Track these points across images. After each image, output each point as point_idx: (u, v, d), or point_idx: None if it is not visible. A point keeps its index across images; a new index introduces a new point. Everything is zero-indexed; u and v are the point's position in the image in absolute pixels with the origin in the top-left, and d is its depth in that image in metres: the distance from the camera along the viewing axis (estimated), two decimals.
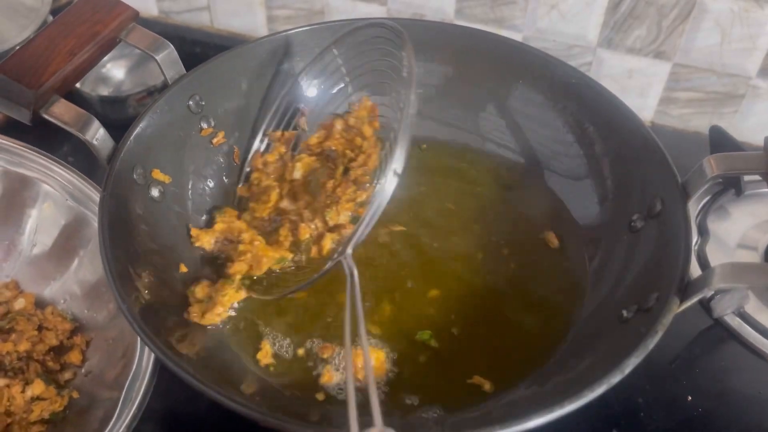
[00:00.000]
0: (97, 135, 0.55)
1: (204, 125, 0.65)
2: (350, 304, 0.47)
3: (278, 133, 0.67)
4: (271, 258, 0.60)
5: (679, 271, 0.50)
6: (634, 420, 0.60)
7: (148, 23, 1.00)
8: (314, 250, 0.61)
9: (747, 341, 0.64)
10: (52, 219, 0.66)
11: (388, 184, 0.49)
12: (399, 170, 0.49)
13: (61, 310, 0.64)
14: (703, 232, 0.72)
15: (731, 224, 0.74)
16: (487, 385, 0.55)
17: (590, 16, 0.81)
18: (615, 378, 0.45)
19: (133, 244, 0.55)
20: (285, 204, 0.63)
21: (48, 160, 0.65)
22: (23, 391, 0.57)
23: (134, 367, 0.55)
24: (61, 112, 0.54)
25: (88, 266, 0.64)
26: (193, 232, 0.62)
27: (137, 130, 0.58)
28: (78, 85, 0.82)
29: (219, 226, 0.62)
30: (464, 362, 0.57)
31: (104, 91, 0.83)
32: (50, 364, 0.60)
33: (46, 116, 0.54)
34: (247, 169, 0.67)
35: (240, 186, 0.66)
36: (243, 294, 0.59)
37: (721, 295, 0.63)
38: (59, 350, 0.62)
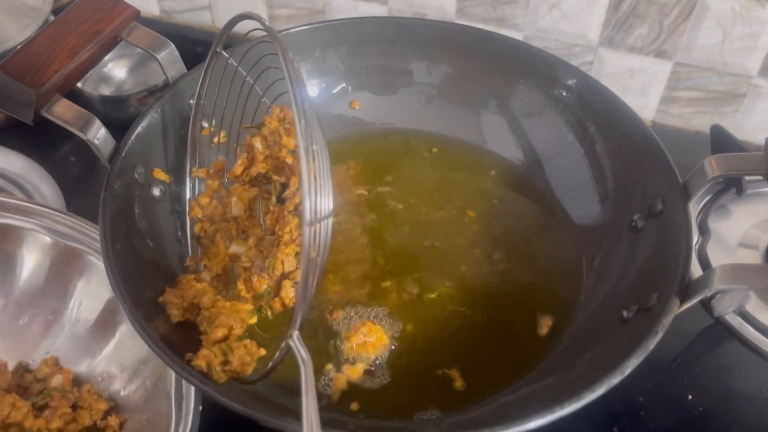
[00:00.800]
0: (99, 134, 0.55)
1: (205, 124, 0.65)
2: (305, 392, 0.42)
3: (203, 170, 0.61)
4: (245, 311, 0.54)
5: (680, 271, 0.50)
6: (635, 418, 0.60)
7: (150, 22, 1.00)
8: (277, 304, 0.55)
9: (748, 340, 0.64)
10: (96, 293, 0.63)
11: (307, 236, 0.41)
12: (326, 211, 0.42)
13: (97, 389, 0.60)
14: (704, 231, 0.72)
15: (732, 223, 0.74)
16: (484, 385, 0.55)
17: (591, 15, 0.81)
18: (615, 379, 0.45)
19: (134, 244, 0.55)
20: (234, 248, 0.58)
21: (93, 230, 0.62)
22: None
23: None
24: (62, 111, 0.54)
25: (128, 342, 0.60)
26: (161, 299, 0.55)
27: (138, 129, 0.58)
28: (79, 84, 0.82)
29: (171, 297, 0.54)
30: (462, 362, 0.57)
31: (106, 91, 0.83)
32: None
33: (47, 116, 0.54)
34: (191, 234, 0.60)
35: (189, 257, 0.60)
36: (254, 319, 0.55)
37: (722, 294, 0.63)
38: (92, 431, 0.58)
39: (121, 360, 0.61)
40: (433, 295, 0.61)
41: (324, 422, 0.40)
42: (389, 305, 0.60)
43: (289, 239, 0.54)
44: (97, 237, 0.61)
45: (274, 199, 0.58)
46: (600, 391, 0.44)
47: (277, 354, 0.47)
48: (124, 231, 0.54)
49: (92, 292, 0.63)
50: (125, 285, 0.49)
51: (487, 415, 0.51)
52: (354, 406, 0.54)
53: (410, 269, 0.63)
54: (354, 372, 0.56)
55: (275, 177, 0.57)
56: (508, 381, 0.55)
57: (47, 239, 0.63)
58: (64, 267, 0.63)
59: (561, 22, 0.82)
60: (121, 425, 0.59)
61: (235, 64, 0.59)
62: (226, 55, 0.59)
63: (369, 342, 0.57)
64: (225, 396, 0.44)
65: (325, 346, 0.58)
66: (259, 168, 0.57)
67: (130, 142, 0.57)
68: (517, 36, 0.85)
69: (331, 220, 0.44)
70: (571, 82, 0.66)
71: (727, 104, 0.84)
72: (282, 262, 0.53)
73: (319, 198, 0.42)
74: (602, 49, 0.84)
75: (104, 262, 0.50)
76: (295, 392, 0.43)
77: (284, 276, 0.54)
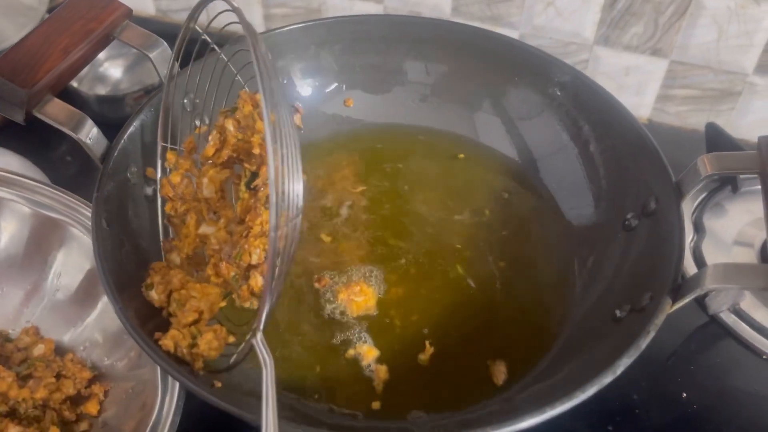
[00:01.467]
0: (91, 134, 0.55)
1: (198, 123, 0.65)
2: (266, 396, 0.41)
3: (172, 153, 0.58)
4: (216, 295, 0.54)
5: (673, 270, 0.50)
6: (629, 417, 0.60)
7: (145, 22, 0.99)
8: (245, 292, 0.53)
9: (742, 338, 0.64)
10: (76, 263, 0.62)
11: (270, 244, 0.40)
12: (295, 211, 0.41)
13: (80, 358, 0.60)
14: (700, 229, 0.72)
15: (727, 221, 0.73)
16: (475, 384, 0.55)
17: (587, 14, 0.80)
18: (607, 378, 0.45)
19: (126, 244, 0.55)
20: (204, 229, 0.56)
21: (76, 202, 0.63)
22: None
23: (152, 420, 0.52)
24: (54, 111, 0.54)
25: (110, 312, 0.58)
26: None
27: (131, 129, 0.58)
28: (75, 84, 0.82)
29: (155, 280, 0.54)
30: (453, 364, 0.57)
31: (102, 90, 0.83)
32: (66, 413, 0.57)
33: (39, 115, 0.54)
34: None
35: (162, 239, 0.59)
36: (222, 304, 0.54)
37: (716, 292, 0.63)
38: (76, 399, 0.58)
39: (103, 329, 0.61)
40: (422, 294, 0.61)
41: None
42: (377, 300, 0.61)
43: (259, 231, 0.52)
44: (78, 208, 0.62)
45: (243, 186, 0.57)
46: (591, 391, 0.44)
47: (240, 349, 0.47)
48: (116, 231, 0.54)
49: (72, 262, 0.63)
50: (117, 285, 0.49)
51: (478, 415, 0.51)
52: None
53: (401, 268, 0.63)
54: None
55: (246, 165, 0.56)
56: (500, 384, 0.55)
57: (26, 209, 0.63)
58: (43, 238, 0.63)
59: (556, 20, 0.82)
60: (106, 393, 0.59)
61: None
62: (200, 30, 0.59)
63: (356, 301, 0.58)
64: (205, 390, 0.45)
65: None
66: (230, 151, 0.56)
67: (122, 142, 0.57)
68: (513, 34, 0.85)
69: (299, 219, 0.43)
70: (565, 80, 0.66)
71: (722, 102, 0.83)
72: (249, 254, 0.52)
73: (288, 198, 0.42)
74: (598, 47, 0.83)
75: (96, 261, 0.50)
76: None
77: (252, 267, 0.53)
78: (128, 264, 0.53)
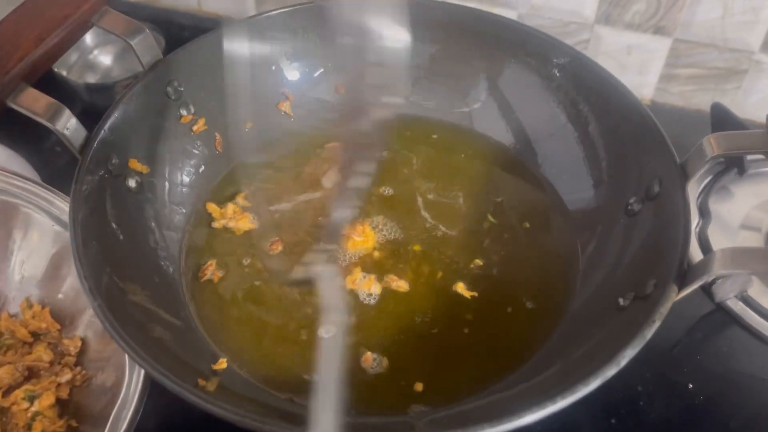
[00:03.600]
0: (68, 124, 0.52)
1: (183, 112, 0.63)
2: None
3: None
4: None
5: (678, 256, 0.48)
6: (633, 408, 0.58)
7: (135, 7, 0.98)
8: None
9: (750, 326, 0.62)
10: (40, 248, 0.61)
11: None
12: None
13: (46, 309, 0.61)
14: (705, 213, 0.70)
15: (734, 204, 0.71)
16: (473, 377, 0.53)
17: None
18: (610, 371, 0.43)
19: (107, 240, 0.53)
20: None
21: (34, 186, 0.61)
22: (30, 405, 0.54)
23: (119, 400, 0.51)
24: (29, 101, 0.52)
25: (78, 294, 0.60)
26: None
27: (111, 119, 0.56)
28: (64, 72, 0.80)
29: None
30: (449, 352, 0.55)
31: (91, 79, 0.82)
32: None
33: (13, 105, 0.52)
34: None
35: None
36: None
37: (723, 279, 0.61)
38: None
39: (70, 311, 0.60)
40: (420, 281, 0.59)
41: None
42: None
43: None
44: (36, 191, 0.61)
45: None
46: (594, 384, 0.42)
47: None
48: (96, 224, 0.52)
49: (34, 247, 0.62)
50: (95, 280, 0.47)
51: (475, 411, 0.49)
52: None
53: (400, 252, 0.61)
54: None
55: None
56: (497, 373, 0.53)
57: None
58: (2, 225, 0.62)
59: None
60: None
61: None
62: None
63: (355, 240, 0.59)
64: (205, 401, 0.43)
65: None
66: None
67: (102, 132, 0.55)
68: (511, 14, 0.82)
69: None
70: (563, 60, 0.64)
71: (728, 81, 0.81)
72: None
73: None
74: (599, 26, 0.81)
75: (74, 257, 0.48)
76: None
77: None
78: (109, 260, 0.51)
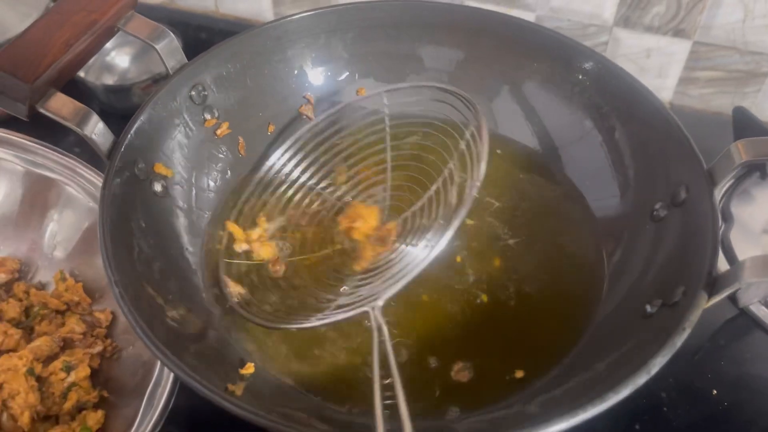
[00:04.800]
0: (96, 129, 0.53)
1: (207, 116, 0.63)
2: (377, 364, 0.44)
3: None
4: None
5: (707, 263, 0.48)
6: (657, 415, 0.58)
7: (153, 9, 0.98)
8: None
9: None
10: (73, 222, 0.64)
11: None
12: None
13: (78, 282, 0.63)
14: (727, 217, 0.69)
15: (756, 209, 0.71)
16: (500, 384, 0.53)
17: None
18: (641, 379, 0.42)
19: (135, 242, 0.53)
20: None
21: (70, 161, 0.63)
22: (67, 375, 0.56)
23: (155, 374, 0.53)
24: (58, 106, 0.52)
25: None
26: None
27: (137, 123, 0.56)
28: (82, 74, 0.80)
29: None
30: (477, 360, 0.54)
31: (109, 80, 0.82)
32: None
33: (42, 111, 0.52)
34: None
35: None
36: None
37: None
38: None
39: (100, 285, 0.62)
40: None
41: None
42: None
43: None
44: (73, 167, 0.63)
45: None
46: (625, 392, 0.42)
47: (349, 312, 0.49)
48: (124, 228, 0.52)
49: (69, 222, 0.64)
50: (124, 283, 0.48)
51: (508, 419, 0.49)
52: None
53: None
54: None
55: None
56: (525, 381, 0.53)
57: (19, 168, 0.64)
58: (38, 196, 0.64)
59: (574, 1, 0.80)
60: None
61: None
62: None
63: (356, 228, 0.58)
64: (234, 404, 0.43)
65: None
66: None
67: (129, 136, 0.55)
68: (529, 16, 0.82)
69: None
70: (587, 65, 0.64)
71: (748, 84, 0.81)
72: None
73: None
74: (618, 28, 0.81)
75: (104, 261, 0.49)
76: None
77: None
78: (138, 264, 0.52)
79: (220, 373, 0.49)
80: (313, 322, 0.52)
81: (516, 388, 0.52)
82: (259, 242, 0.61)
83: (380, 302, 0.47)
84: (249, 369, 0.52)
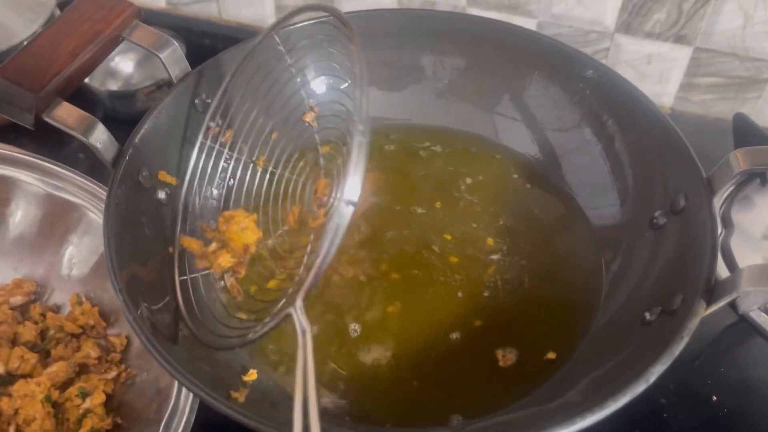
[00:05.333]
0: (101, 138, 0.53)
1: (211, 124, 0.63)
2: (301, 368, 0.41)
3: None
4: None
5: (705, 271, 0.48)
6: (657, 421, 0.58)
7: (156, 15, 0.99)
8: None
9: None
10: (90, 245, 0.64)
11: (342, 217, 0.41)
12: (354, 199, 0.41)
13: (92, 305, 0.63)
14: (727, 223, 0.69)
15: (757, 215, 0.71)
16: (498, 393, 0.53)
17: (607, 0, 0.78)
18: (639, 387, 0.43)
19: (140, 249, 0.53)
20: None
21: (89, 184, 0.64)
22: (83, 402, 0.56)
23: (171, 402, 0.53)
24: (63, 115, 0.53)
25: None
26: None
27: (142, 131, 0.57)
28: (87, 80, 0.81)
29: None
30: (473, 366, 0.55)
31: (113, 86, 0.82)
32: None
33: (48, 120, 0.53)
34: None
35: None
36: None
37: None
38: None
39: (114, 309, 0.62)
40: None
41: None
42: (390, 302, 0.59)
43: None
44: (92, 190, 0.64)
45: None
46: (624, 400, 0.43)
47: (271, 321, 0.47)
48: (129, 236, 0.53)
49: (86, 245, 0.64)
50: (129, 292, 0.48)
51: (506, 427, 0.49)
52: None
53: (417, 268, 0.62)
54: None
55: None
56: (522, 389, 0.53)
57: (40, 191, 0.65)
58: (57, 219, 0.64)
59: (576, 8, 0.80)
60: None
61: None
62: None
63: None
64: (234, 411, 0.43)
65: None
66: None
67: (133, 145, 0.56)
68: (531, 23, 0.82)
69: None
70: (587, 73, 0.64)
71: (749, 90, 0.81)
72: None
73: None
74: (619, 35, 0.81)
75: (108, 268, 0.49)
76: None
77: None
78: (142, 272, 0.52)
79: (224, 380, 0.50)
80: (249, 337, 0.50)
81: (513, 396, 0.53)
82: (215, 254, 0.59)
83: (299, 302, 0.44)
84: (251, 376, 0.52)
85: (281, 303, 0.53)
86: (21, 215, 0.66)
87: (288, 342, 0.57)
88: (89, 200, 0.64)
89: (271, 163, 0.64)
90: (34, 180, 0.65)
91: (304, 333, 0.42)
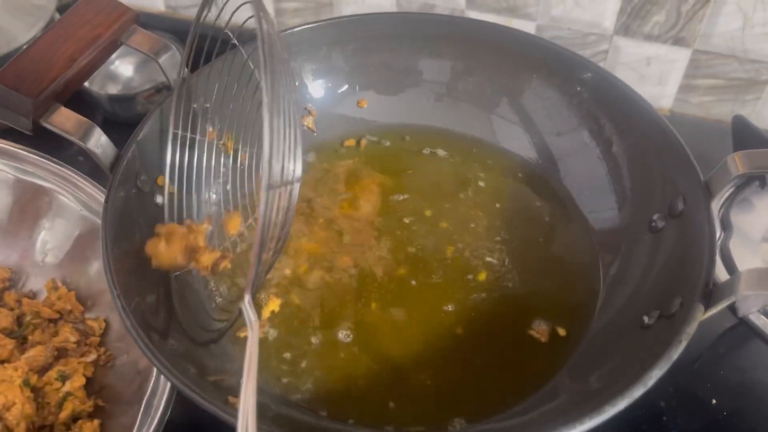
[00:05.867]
0: (99, 143, 0.54)
1: (209, 128, 0.63)
2: (248, 360, 0.41)
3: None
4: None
5: (704, 275, 0.48)
6: (656, 424, 0.58)
7: (155, 19, 0.99)
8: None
9: None
10: (64, 230, 0.64)
11: (264, 204, 0.40)
12: (274, 183, 0.40)
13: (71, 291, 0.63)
14: (726, 226, 0.69)
15: (756, 217, 0.71)
16: (494, 399, 0.53)
17: (606, 3, 0.78)
18: (637, 391, 0.43)
19: (137, 254, 0.54)
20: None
21: (62, 169, 0.64)
22: (63, 385, 0.56)
23: (151, 383, 0.53)
24: (61, 120, 0.53)
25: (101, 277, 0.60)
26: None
27: (140, 136, 0.57)
28: (86, 83, 0.81)
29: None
30: (470, 371, 0.55)
31: (113, 90, 0.82)
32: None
33: (46, 125, 0.53)
34: None
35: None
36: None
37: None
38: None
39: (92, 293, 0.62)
40: (443, 302, 0.59)
41: None
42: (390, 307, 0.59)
43: None
44: (63, 174, 0.63)
45: None
46: (622, 404, 0.43)
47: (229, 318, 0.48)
48: (126, 241, 0.53)
49: (59, 230, 0.63)
50: (126, 297, 0.48)
51: (504, 430, 0.49)
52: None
53: (418, 270, 0.62)
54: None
55: None
56: (521, 393, 0.53)
57: (9, 176, 0.64)
58: (27, 205, 0.64)
59: (575, 10, 0.80)
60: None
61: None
62: (228, 32, 0.60)
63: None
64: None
65: None
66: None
67: (131, 150, 0.56)
68: (530, 25, 0.82)
69: (298, 186, 0.43)
70: (585, 76, 0.64)
71: (748, 92, 0.81)
72: None
73: (283, 160, 0.41)
74: (618, 37, 0.81)
75: (106, 273, 0.49)
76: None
77: None
78: (138, 277, 0.52)
79: (220, 386, 0.50)
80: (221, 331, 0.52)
81: (510, 402, 0.53)
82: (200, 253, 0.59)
83: (247, 296, 0.43)
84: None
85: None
86: None
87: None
88: (59, 184, 0.64)
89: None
90: (2, 166, 0.65)
91: (252, 327, 0.42)
